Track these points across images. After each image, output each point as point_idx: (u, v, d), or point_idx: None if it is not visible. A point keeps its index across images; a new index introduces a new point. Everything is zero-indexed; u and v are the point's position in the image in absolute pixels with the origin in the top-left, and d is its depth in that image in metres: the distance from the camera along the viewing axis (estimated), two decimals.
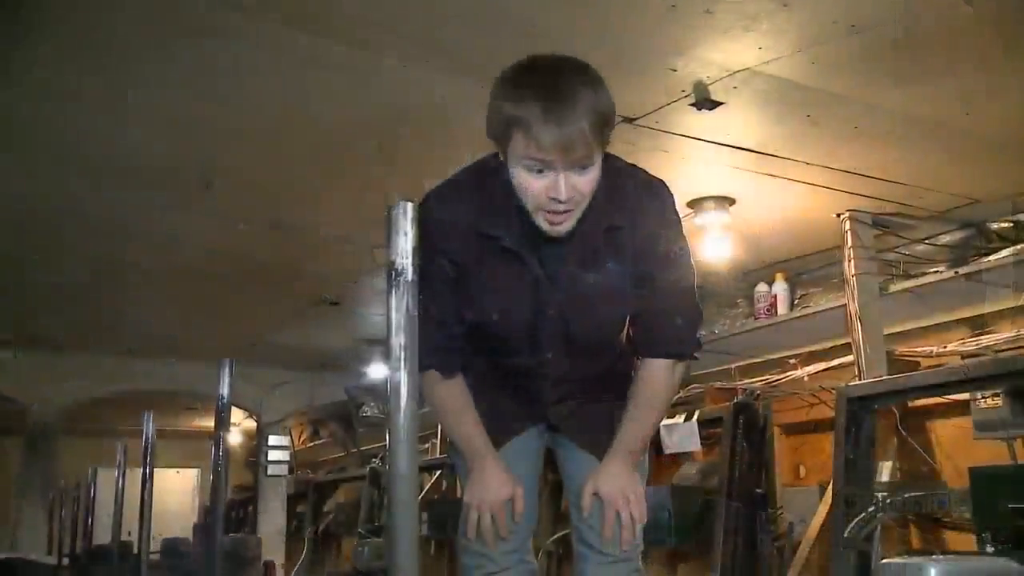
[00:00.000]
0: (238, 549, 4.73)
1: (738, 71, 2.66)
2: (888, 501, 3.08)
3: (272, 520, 7.66)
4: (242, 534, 5.62)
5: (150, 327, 6.15)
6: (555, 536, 4.28)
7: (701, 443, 3.85)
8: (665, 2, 2.29)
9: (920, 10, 2.27)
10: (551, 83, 1.74)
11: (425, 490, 6.30)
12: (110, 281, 4.99)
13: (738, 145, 3.21)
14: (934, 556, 1.34)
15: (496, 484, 2.07)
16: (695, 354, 2.12)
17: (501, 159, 1.83)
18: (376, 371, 6.81)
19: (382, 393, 7.65)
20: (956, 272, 3.60)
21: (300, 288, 5.06)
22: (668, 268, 2.00)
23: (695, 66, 2.65)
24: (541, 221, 1.80)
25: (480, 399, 2.10)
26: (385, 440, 8.38)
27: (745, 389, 3.88)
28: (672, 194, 2.06)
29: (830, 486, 3.41)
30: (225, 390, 2.14)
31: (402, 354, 1.12)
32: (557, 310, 1.97)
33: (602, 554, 2.11)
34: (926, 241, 3.99)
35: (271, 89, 2.80)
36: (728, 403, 3.68)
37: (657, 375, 2.07)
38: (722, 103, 2.86)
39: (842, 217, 3.83)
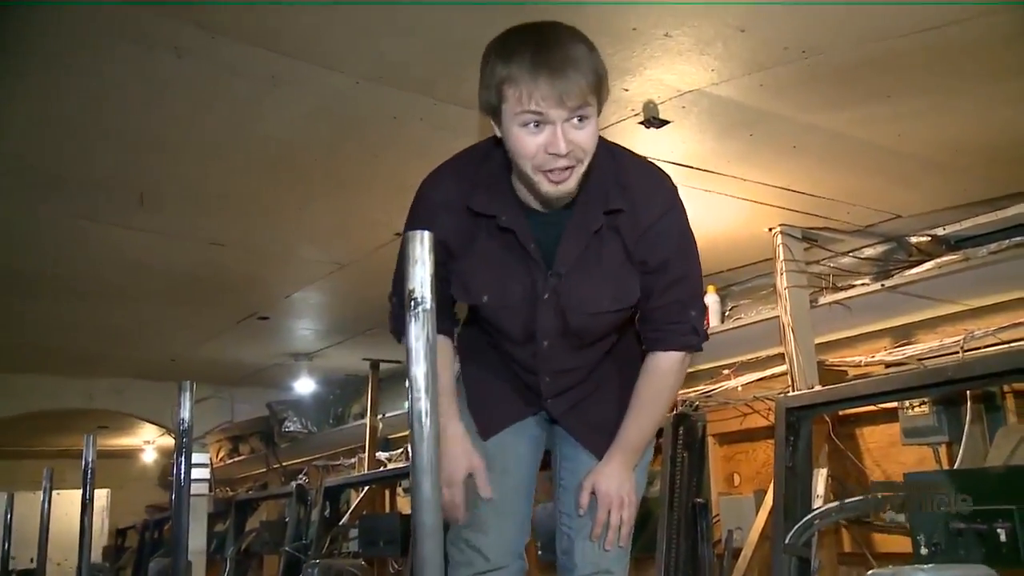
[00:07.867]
0: (168, 574, 4.55)
1: (688, 92, 2.73)
2: (826, 508, 3.19)
3: (192, 540, 7.41)
4: (166, 557, 5.42)
5: (64, 343, 5.93)
6: None
7: None
8: (627, 25, 2.33)
9: (867, 37, 2.37)
10: (540, 37, 1.68)
11: (354, 505, 6.22)
12: (24, 298, 4.79)
13: (680, 162, 3.28)
14: (919, 567, 1.41)
15: (452, 455, 1.99)
16: (701, 345, 2.07)
17: (497, 138, 1.76)
18: (303, 386, 6.70)
19: (305, 408, 7.55)
20: (882, 285, 3.75)
21: (230, 303, 4.95)
22: (678, 259, 1.92)
23: (648, 87, 2.70)
24: (542, 183, 1.72)
25: (479, 385, 2.07)
26: (307, 456, 8.20)
27: (684, 400, 3.95)
28: (674, 183, 1.98)
29: (768, 494, 3.50)
30: (186, 414, 2.08)
31: (423, 383, 1.11)
32: (552, 296, 1.90)
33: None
34: (851, 254, 4.16)
35: (219, 103, 2.74)
36: (668, 415, 3.74)
37: (668, 368, 2.01)
38: (669, 122, 2.92)
39: (774, 231, 3.95)
